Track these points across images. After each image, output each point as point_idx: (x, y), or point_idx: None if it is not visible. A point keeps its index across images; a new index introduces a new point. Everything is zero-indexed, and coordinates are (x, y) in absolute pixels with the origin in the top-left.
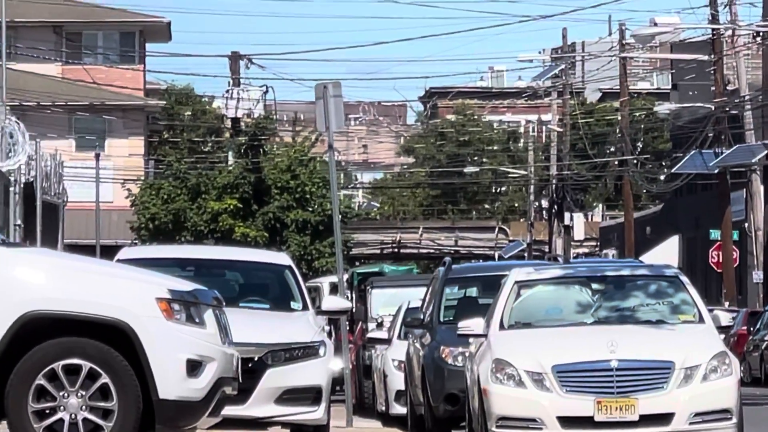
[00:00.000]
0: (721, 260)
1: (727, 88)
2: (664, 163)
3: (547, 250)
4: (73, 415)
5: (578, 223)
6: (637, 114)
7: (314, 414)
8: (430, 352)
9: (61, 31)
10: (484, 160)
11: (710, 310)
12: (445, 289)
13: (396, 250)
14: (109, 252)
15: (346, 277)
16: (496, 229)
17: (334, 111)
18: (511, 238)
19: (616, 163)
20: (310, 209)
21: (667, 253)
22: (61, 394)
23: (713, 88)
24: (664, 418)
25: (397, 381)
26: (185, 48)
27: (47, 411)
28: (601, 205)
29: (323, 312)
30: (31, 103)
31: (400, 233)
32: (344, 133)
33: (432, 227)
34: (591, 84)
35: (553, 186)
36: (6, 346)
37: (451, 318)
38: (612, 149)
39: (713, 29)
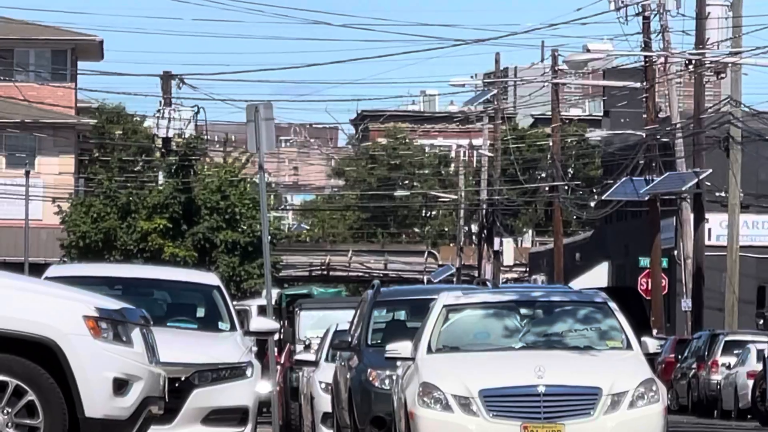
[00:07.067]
0: (650, 288)
1: (659, 115)
2: (594, 190)
3: (476, 274)
4: None
5: (508, 248)
6: (569, 140)
7: None
8: (358, 374)
9: None
10: (415, 183)
11: (638, 338)
12: (374, 311)
13: (325, 272)
14: (37, 270)
15: (274, 298)
16: (426, 253)
17: (265, 132)
18: (440, 263)
19: (547, 188)
20: (240, 230)
21: (596, 279)
22: None
23: (645, 116)
24: None
25: (324, 403)
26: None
27: None
28: (530, 231)
29: (251, 333)
30: None
31: (329, 255)
32: (275, 154)
33: (361, 250)
34: (523, 109)
35: (483, 211)
36: None
37: (379, 341)
38: (543, 175)
39: (646, 57)
